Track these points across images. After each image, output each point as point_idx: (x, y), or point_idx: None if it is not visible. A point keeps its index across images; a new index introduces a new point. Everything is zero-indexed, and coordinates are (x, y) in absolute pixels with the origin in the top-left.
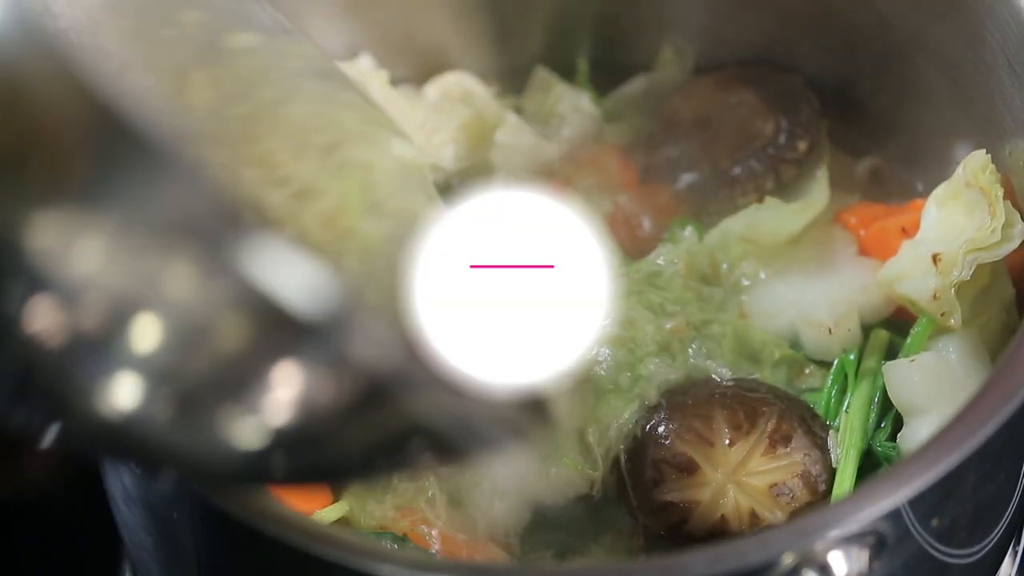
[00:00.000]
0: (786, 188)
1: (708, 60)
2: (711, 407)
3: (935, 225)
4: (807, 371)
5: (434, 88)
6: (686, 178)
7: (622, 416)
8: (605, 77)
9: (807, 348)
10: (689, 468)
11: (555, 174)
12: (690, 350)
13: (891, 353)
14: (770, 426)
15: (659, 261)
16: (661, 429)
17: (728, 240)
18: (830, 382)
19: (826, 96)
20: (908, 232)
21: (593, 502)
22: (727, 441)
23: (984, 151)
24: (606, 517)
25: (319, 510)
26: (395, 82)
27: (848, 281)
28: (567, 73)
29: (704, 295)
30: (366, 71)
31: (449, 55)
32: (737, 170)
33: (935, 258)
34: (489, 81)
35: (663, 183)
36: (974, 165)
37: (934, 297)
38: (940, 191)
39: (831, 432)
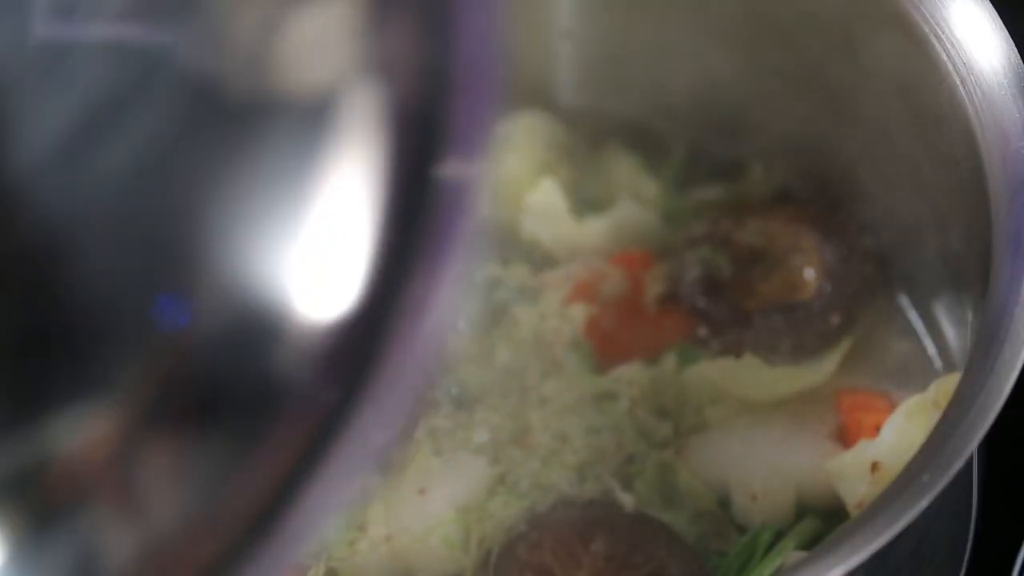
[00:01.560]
0: (802, 351)
1: (795, 191)
2: (595, 530)
3: (893, 435)
4: (727, 534)
5: (504, 127)
6: (705, 305)
7: (506, 513)
8: (685, 173)
9: (733, 510)
10: None
11: (573, 257)
12: (605, 475)
13: (817, 542)
14: (647, 569)
15: (615, 381)
16: (536, 535)
17: (704, 381)
18: (736, 550)
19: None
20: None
21: None
22: (597, 568)
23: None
24: None
25: None
26: None
27: (799, 457)
28: (651, 150)
29: (647, 427)
30: None
31: (536, 88)
32: (757, 318)
33: (874, 466)
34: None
35: (679, 304)
36: (947, 387)
37: (858, 505)
38: (913, 402)
39: None
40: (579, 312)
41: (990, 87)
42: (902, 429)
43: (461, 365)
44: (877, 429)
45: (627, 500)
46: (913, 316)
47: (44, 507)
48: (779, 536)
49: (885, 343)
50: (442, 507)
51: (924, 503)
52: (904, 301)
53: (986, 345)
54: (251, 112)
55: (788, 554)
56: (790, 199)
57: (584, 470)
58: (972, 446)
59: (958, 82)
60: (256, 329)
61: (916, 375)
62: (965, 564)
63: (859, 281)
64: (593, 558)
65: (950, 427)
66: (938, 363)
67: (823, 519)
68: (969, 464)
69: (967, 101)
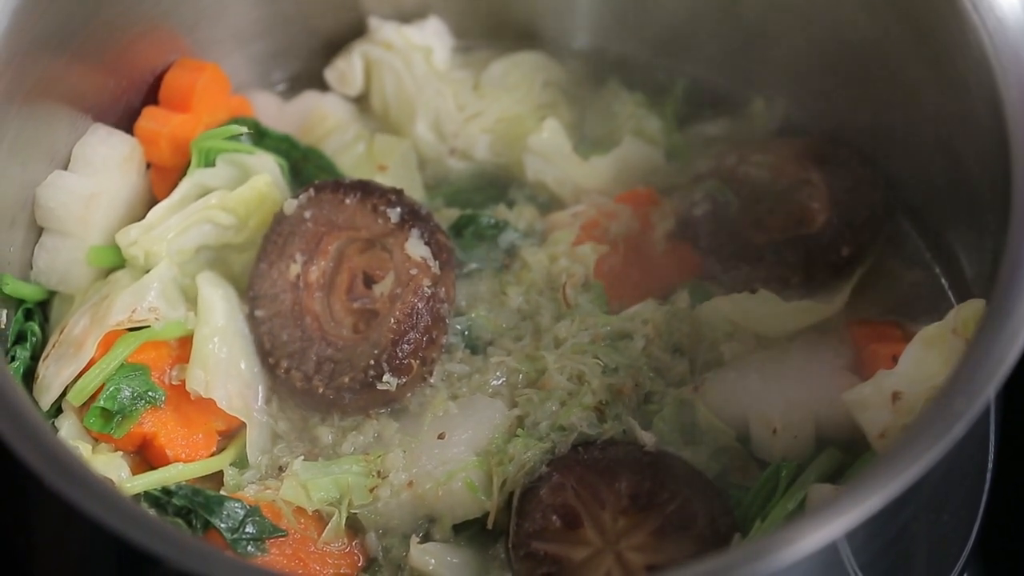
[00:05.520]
0: (813, 284)
1: (797, 124)
2: (618, 470)
3: (912, 364)
4: (748, 469)
5: (501, 65)
6: (714, 241)
7: (527, 455)
8: (686, 109)
9: (753, 444)
10: (573, 523)
11: (579, 197)
12: (624, 414)
13: (838, 474)
14: (671, 507)
15: (629, 320)
16: (559, 477)
17: (718, 317)
18: (758, 484)
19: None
20: (896, 362)
21: (484, 537)
22: (621, 507)
23: (983, 301)
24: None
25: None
26: (467, 49)
27: (817, 390)
28: (651, 87)
29: (663, 364)
30: (430, 35)
31: (532, 27)
32: (767, 252)
33: (895, 395)
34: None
35: (689, 240)
36: (966, 314)
37: (881, 435)
38: (931, 331)
39: (738, 536)
40: (589, 252)
41: (1003, 11)
42: (921, 358)
43: (473, 309)
44: (894, 359)
45: (648, 438)
46: (922, 245)
47: None
48: (800, 469)
49: (895, 272)
50: (462, 451)
51: (959, 430)
52: (912, 230)
53: (1012, 271)
54: None
55: (810, 487)
56: (793, 132)
57: (603, 410)
58: (1004, 371)
59: (970, 7)
60: None
61: (927, 303)
62: (981, 510)
63: (867, 211)
64: (617, 497)
65: (979, 354)
66: (950, 291)
67: (843, 451)
68: (986, 413)
69: (980, 26)
